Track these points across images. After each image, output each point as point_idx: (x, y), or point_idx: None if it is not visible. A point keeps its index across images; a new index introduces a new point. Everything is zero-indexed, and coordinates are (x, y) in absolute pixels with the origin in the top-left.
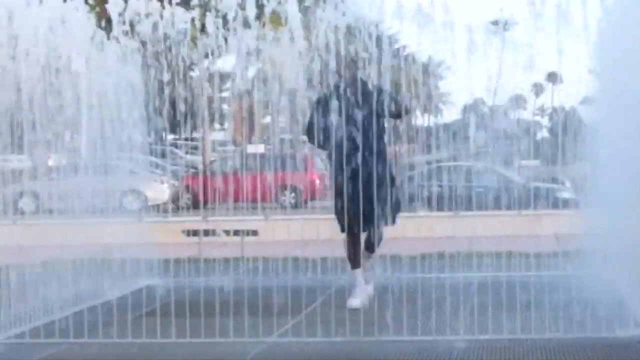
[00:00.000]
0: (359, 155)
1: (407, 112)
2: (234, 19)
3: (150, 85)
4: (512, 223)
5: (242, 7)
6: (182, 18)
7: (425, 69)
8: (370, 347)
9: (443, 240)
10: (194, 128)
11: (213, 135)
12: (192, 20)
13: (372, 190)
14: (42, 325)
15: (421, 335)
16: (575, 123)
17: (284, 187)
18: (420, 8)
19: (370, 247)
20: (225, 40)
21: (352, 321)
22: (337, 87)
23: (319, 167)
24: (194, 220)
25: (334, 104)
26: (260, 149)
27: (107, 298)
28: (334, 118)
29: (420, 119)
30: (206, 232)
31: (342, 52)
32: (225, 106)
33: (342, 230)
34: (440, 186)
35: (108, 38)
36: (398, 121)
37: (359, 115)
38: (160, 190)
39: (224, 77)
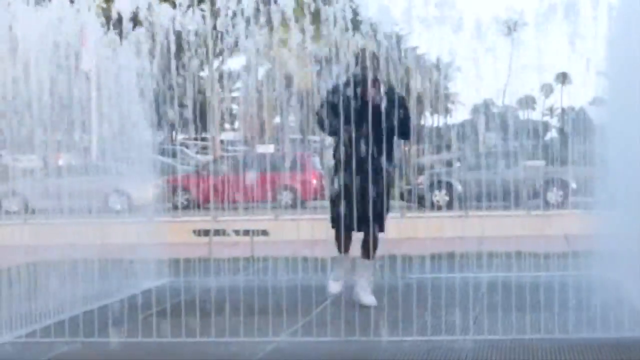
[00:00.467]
0: (365, 150)
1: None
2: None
3: (160, 85)
4: (521, 223)
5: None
6: (193, 17)
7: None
8: (380, 347)
9: (453, 240)
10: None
11: (223, 134)
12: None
13: (372, 190)
14: (52, 324)
15: (430, 335)
16: (581, 124)
17: (280, 187)
18: (429, 9)
19: (365, 252)
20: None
21: (362, 321)
22: (355, 77)
23: (317, 167)
24: (204, 220)
25: (348, 91)
26: (270, 149)
27: (118, 297)
28: (345, 107)
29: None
30: (216, 232)
31: (363, 47)
32: (235, 106)
33: (333, 221)
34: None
35: (120, 39)
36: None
37: (372, 109)
38: (145, 190)
39: (233, 76)
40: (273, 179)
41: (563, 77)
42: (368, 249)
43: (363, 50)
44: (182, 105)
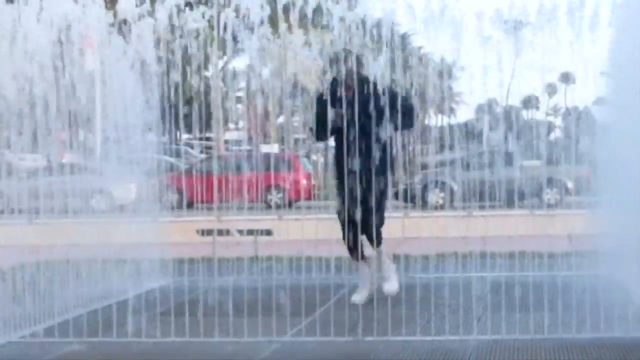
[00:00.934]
0: (354, 152)
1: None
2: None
3: (165, 85)
4: (525, 223)
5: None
6: (197, 17)
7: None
8: (383, 346)
9: (457, 240)
10: (208, 128)
11: (228, 134)
12: (209, 19)
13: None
14: (56, 324)
15: (434, 335)
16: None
17: (269, 187)
18: (433, 8)
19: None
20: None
21: (366, 321)
22: (334, 83)
23: (306, 167)
24: (208, 220)
25: (330, 99)
26: (274, 149)
27: (122, 297)
28: (330, 114)
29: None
30: (220, 232)
31: (342, 47)
32: (239, 105)
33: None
34: None
35: (125, 39)
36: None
37: (356, 112)
38: (127, 190)
39: (238, 76)
40: (262, 179)
41: (567, 77)
42: (372, 241)
43: (335, 52)
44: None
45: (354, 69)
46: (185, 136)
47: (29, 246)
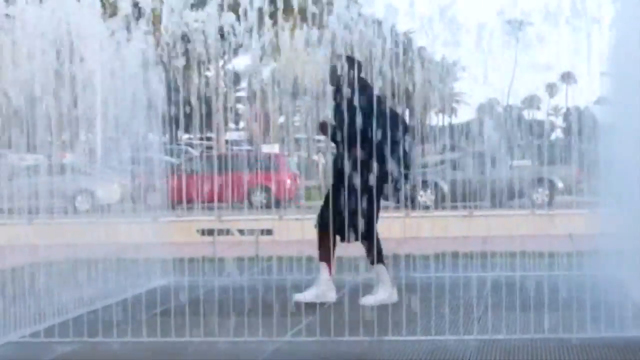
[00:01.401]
0: (342, 157)
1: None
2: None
3: (166, 85)
4: (526, 222)
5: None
6: (198, 17)
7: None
8: (384, 346)
9: (457, 239)
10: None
11: (228, 134)
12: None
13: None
14: (56, 324)
15: (434, 335)
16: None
17: (255, 187)
18: (435, 8)
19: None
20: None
21: (366, 321)
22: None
23: (291, 168)
24: (208, 220)
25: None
26: (275, 149)
27: (122, 297)
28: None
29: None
30: (221, 232)
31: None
32: (240, 105)
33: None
34: None
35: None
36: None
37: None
38: (111, 190)
39: (239, 76)
40: (247, 179)
41: (568, 77)
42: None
43: (333, 56)
44: (187, 105)
45: (352, 75)
46: (185, 136)
47: (28, 246)
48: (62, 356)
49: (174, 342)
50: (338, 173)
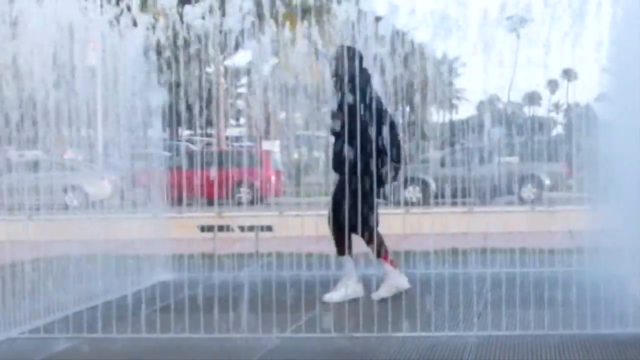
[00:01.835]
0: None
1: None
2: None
3: (166, 81)
4: (526, 219)
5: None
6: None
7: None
8: (383, 342)
9: (457, 236)
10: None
11: (229, 130)
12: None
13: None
14: (56, 321)
15: (434, 331)
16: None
17: (239, 184)
18: (435, 4)
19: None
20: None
21: (366, 317)
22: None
23: (276, 164)
24: (208, 216)
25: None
26: (275, 145)
27: (121, 293)
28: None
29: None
30: (221, 228)
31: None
32: (240, 102)
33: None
34: None
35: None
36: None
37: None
38: (101, 186)
39: (239, 72)
40: (232, 175)
41: (569, 74)
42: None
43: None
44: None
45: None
46: (186, 132)
47: (27, 242)
48: (62, 352)
49: (174, 338)
50: (341, 166)
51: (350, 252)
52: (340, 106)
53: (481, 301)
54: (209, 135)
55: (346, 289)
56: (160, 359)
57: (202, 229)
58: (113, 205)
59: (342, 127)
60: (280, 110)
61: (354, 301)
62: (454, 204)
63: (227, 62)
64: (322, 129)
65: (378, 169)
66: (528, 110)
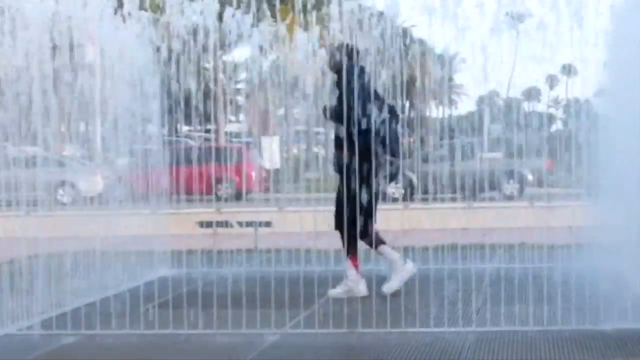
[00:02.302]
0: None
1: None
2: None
3: (165, 77)
4: (525, 215)
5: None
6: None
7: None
8: (382, 338)
9: (456, 231)
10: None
11: (228, 126)
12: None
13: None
14: (54, 317)
15: (433, 326)
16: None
17: (219, 180)
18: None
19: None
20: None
21: (365, 313)
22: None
23: (255, 160)
24: (208, 212)
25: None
26: (275, 141)
27: (120, 289)
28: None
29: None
30: (220, 224)
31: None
32: (239, 97)
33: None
34: None
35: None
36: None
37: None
38: (93, 182)
39: (238, 68)
40: (212, 170)
41: (568, 69)
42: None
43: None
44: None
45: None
46: (185, 128)
47: (24, 239)
48: (60, 348)
49: (172, 334)
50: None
51: (378, 245)
52: (339, 102)
53: (480, 297)
54: (208, 131)
55: (402, 275)
56: (159, 355)
57: (202, 224)
58: (104, 201)
59: (342, 124)
60: (279, 106)
61: (353, 298)
62: (437, 199)
63: (226, 58)
64: (321, 124)
65: (379, 161)
66: (527, 106)
